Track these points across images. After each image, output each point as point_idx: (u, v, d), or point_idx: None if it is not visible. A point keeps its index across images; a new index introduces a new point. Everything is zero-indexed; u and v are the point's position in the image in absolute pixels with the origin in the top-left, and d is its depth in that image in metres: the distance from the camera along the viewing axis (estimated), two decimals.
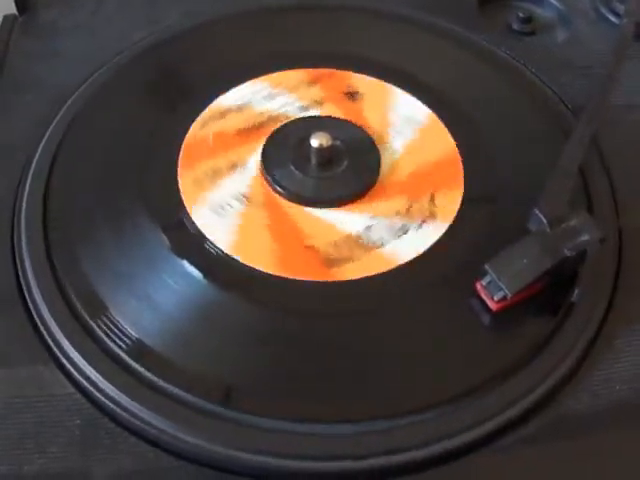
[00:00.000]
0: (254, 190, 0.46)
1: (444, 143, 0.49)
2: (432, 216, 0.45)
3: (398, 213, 0.46)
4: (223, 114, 0.50)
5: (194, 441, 0.38)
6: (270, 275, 0.42)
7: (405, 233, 0.45)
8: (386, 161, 0.48)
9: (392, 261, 0.43)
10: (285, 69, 0.53)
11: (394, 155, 0.48)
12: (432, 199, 0.46)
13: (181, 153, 0.48)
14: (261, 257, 0.43)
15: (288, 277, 0.42)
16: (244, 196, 0.46)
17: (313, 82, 0.52)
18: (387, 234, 0.45)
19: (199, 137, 0.49)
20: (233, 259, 0.43)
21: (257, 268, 0.43)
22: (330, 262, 0.43)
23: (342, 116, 0.50)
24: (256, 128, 0.49)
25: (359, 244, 0.44)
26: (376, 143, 0.48)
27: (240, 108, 0.50)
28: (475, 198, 0.46)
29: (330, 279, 0.43)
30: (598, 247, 0.41)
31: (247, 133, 0.49)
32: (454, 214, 0.45)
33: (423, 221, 0.45)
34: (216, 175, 0.47)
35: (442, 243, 0.44)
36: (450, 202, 0.46)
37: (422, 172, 0.47)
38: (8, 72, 0.53)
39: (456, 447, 0.38)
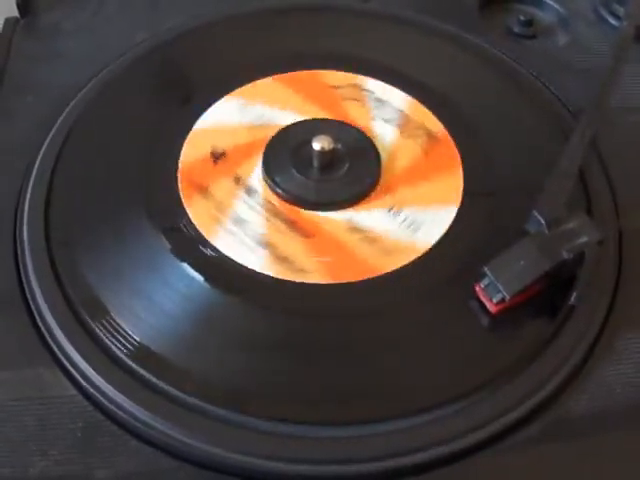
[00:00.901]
0: (264, 202, 0.46)
1: (433, 128, 0.49)
2: (442, 200, 0.46)
3: (410, 202, 0.46)
4: (211, 131, 0.50)
5: (195, 443, 0.38)
6: (273, 278, 0.43)
7: (421, 221, 0.45)
8: (383, 154, 0.48)
9: (415, 250, 0.44)
10: (255, 78, 0.52)
11: (389, 146, 0.48)
12: (437, 182, 0.47)
13: (182, 157, 0.48)
14: (288, 267, 0.43)
15: (290, 280, 0.43)
16: (256, 211, 0.46)
17: (288, 86, 0.52)
18: (405, 225, 0.45)
19: (196, 153, 0.48)
20: (233, 261, 0.43)
21: (284, 278, 0.43)
22: (360, 261, 0.44)
23: (326, 116, 0.50)
24: (248, 141, 0.49)
25: (382, 239, 0.44)
26: (370, 137, 0.49)
27: (226, 124, 0.50)
28: (474, 200, 0.46)
29: (330, 282, 0.43)
30: (597, 249, 0.41)
31: (241, 147, 0.49)
32: (461, 196, 0.46)
33: (435, 205, 0.46)
34: (223, 194, 0.46)
35: (441, 245, 0.44)
36: (455, 183, 0.47)
37: (420, 158, 0.48)
38: (10, 74, 0.53)
39: (457, 450, 0.38)
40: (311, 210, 0.46)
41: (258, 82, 0.52)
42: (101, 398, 0.39)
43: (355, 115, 0.50)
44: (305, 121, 0.50)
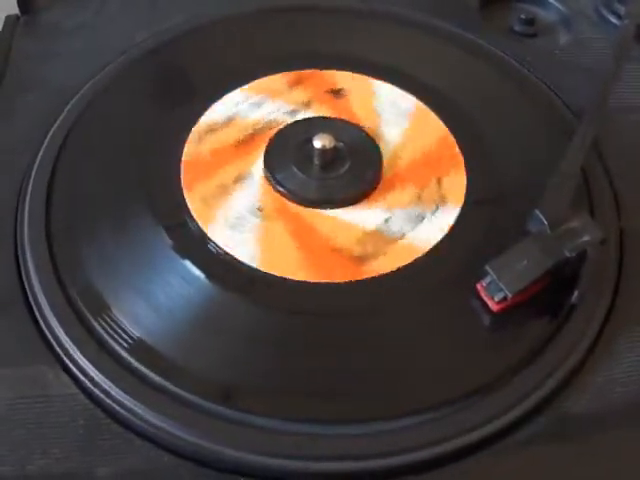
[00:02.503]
0: (265, 200, 0.46)
1: (436, 128, 0.49)
2: (443, 200, 0.46)
3: (411, 202, 0.46)
4: (213, 129, 0.49)
5: (197, 441, 0.38)
6: (274, 276, 0.43)
7: (421, 221, 0.45)
8: (385, 153, 0.48)
9: (416, 250, 0.44)
10: (263, 75, 0.52)
11: (391, 146, 0.48)
12: (439, 182, 0.47)
13: (184, 154, 0.48)
14: (288, 264, 0.43)
15: (290, 277, 0.43)
16: (257, 208, 0.46)
17: (295, 84, 0.52)
18: (405, 224, 0.45)
19: (198, 150, 0.48)
20: (234, 259, 0.43)
21: (283, 276, 0.43)
22: (358, 260, 0.43)
23: (332, 115, 0.50)
24: (249, 139, 0.49)
25: (382, 238, 0.44)
26: (373, 137, 0.49)
27: (229, 121, 0.50)
28: (476, 199, 0.46)
29: (332, 281, 0.43)
30: (598, 248, 0.41)
31: (243, 145, 0.49)
32: (463, 196, 0.46)
33: (437, 206, 0.46)
34: (224, 191, 0.46)
35: (443, 244, 0.44)
36: (457, 184, 0.47)
37: (423, 158, 0.48)
38: (10, 73, 0.53)
39: (457, 449, 0.38)
40: (312, 208, 0.46)
41: (261, 80, 0.52)
42: (102, 396, 0.39)
43: (360, 114, 0.50)
44: (307, 119, 0.50)
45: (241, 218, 0.45)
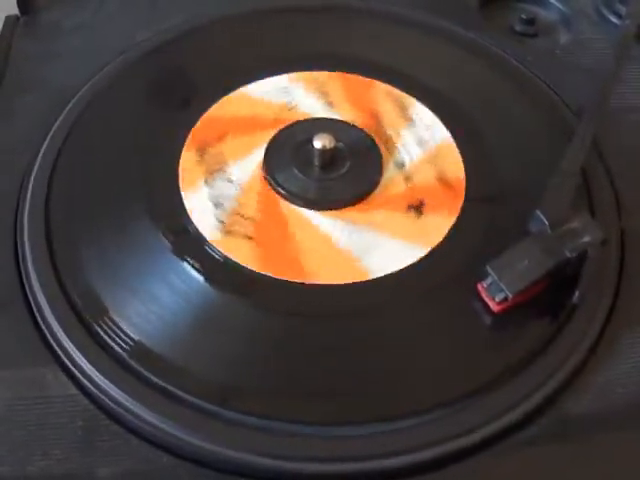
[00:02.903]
0: (263, 201, 0.46)
1: (453, 166, 0.48)
2: (435, 215, 0.45)
3: (401, 214, 0.46)
4: (213, 128, 0.50)
5: (196, 442, 0.38)
6: (272, 278, 0.43)
7: (409, 235, 0.45)
8: (389, 165, 0.48)
9: (391, 265, 0.43)
10: (268, 76, 0.52)
11: (398, 168, 0.48)
12: (424, 210, 0.46)
13: (183, 156, 0.48)
14: (286, 266, 0.43)
15: (290, 280, 0.43)
16: (255, 209, 0.46)
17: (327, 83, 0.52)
18: (388, 237, 0.45)
19: (214, 117, 0.49)
20: (235, 262, 0.43)
21: (282, 278, 0.43)
22: (358, 260, 0.43)
23: (358, 123, 0.50)
24: (251, 140, 0.49)
25: (357, 248, 0.44)
26: (383, 151, 0.48)
27: (232, 120, 0.50)
28: (476, 199, 0.46)
29: (355, 280, 0.43)
30: (599, 248, 0.41)
31: (259, 124, 0.49)
32: (457, 213, 0.45)
33: (424, 222, 0.45)
34: (223, 193, 0.46)
35: (444, 244, 0.44)
36: (452, 203, 0.46)
37: (423, 186, 0.47)
38: (10, 73, 0.53)
39: (457, 450, 0.38)
40: (311, 209, 0.46)
41: (311, 73, 0.53)
42: (102, 397, 0.39)
43: (389, 126, 0.50)
44: (307, 120, 0.50)
45: (240, 220, 0.45)
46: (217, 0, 0.58)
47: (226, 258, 0.43)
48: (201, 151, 0.48)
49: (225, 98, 0.51)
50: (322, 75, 0.53)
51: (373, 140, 0.49)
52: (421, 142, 0.49)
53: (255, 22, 0.56)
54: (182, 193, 0.46)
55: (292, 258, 0.44)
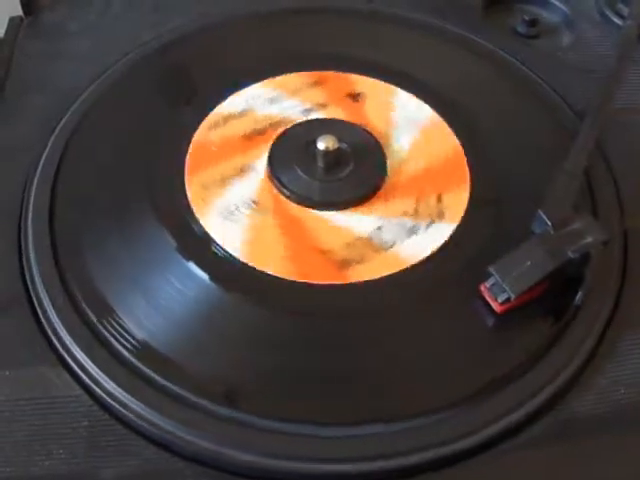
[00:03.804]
0: (262, 195, 0.46)
1: (448, 142, 0.49)
2: (440, 216, 0.45)
3: (406, 213, 0.46)
4: (226, 120, 0.50)
5: (201, 443, 0.38)
6: (279, 278, 0.43)
7: (415, 233, 0.45)
8: (392, 162, 0.48)
9: (403, 262, 0.43)
10: (286, 72, 0.52)
11: (399, 155, 0.48)
12: (439, 199, 0.46)
13: (188, 156, 0.48)
14: (273, 261, 0.43)
15: (297, 280, 0.43)
16: (253, 201, 0.46)
17: (315, 85, 0.52)
18: (397, 235, 0.45)
19: (206, 141, 0.49)
20: (242, 262, 0.43)
21: (268, 272, 0.43)
22: (342, 264, 0.43)
23: (345, 118, 0.50)
24: (260, 133, 0.49)
25: (370, 245, 0.44)
26: (381, 144, 0.48)
27: (242, 113, 0.50)
28: (480, 201, 0.46)
29: (342, 281, 0.43)
30: (602, 249, 0.41)
31: (252, 138, 0.49)
32: (462, 213, 0.46)
33: (432, 221, 0.45)
34: (224, 181, 0.47)
35: (447, 245, 0.44)
36: (458, 201, 0.46)
37: (428, 172, 0.47)
38: (14, 74, 0.53)
39: (460, 450, 0.38)
40: (316, 210, 0.46)
41: (283, 77, 0.52)
42: (106, 397, 0.39)
43: (375, 120, 0.50)
44: (311, 120, 0.50)
45: (246, 220, 0.45)
46: (221, 1, 0.58)
47: (231, 257, 0.43)
48: (203, 185, 0.47)
49: (208, 118, 0.50)
50: (301, 77, 0.52)
51: (377, 140, 0.49)
52: (412, 126, 0.49)
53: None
54: (188, 192, 0.46)
55: (298, 257, 0.43)
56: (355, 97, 0.51)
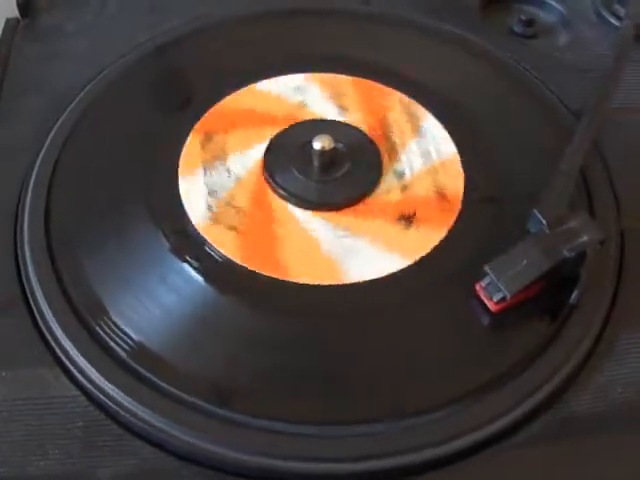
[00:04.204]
0: (257, 196, 0.46)
1: (453, 180, 0.47)
2: (435, 216, 0.45)
3: (402, 213, 0.46)
4: (223, 121, 0.50)
5: (196, 442, 0.38)
6: (273, 278, 0.43)
7: (410, 233, 0.45)
8: (387, 180, 0.47)
9: (398, 262, 0.43)
10: (284, 74, 0.53)
11: (397, 177, 0.48)
12: (434, 199, 0.46)
13: (183, 157, 0.48)
14: (267, 261, 0.43)
15: (292, 280, 0.43)
16: (247, 202, 0.46)
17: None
18: (392, 234, 0.45)
19: (226, 108, 0.50)
20: (236, 263, 0.43)
21: (261, 272, 0.43)
22: (338, 264, 0.43)
23: (366, 128, 0.50)
24: (280, 118, 0.50)
25: (366, 245, 0.44)
26: (385, 159, 0.48)
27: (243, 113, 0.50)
28: (476, 200, 0.46)
29: (337, 281, 0.43)
30: (598, 248, 0.41)
31: (268, 120, 0.50)
32: (458, 212, 0.45)
33: (427, 220, 0.45)
34: (219, 183, 0.47)
35: (442, 245, 0.44)
36: (453, 200, 0.46)
37: (418, 197, 0.47)
38: (11, 75, 0.53)
39: (457, 450, 0.38)
40: (311, 210, 0.46)
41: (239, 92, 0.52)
42: (102, 398, 0.39)
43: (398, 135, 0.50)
44: (306, 121, 0.50)
45: (229, 210, 0.45)
46: (218, 1, 0.58)
47: (226, 258, 0.43)
48: (206, 138, 0.48)
49: (240, 91, 0.51)
50: (338, 78, 0.53)
51: (374, 145, 0.49)
52: (425, 155, 0.49)
53: (266, 23, 0.56)
54: (182, 194, 0.46)
55: (271, 252, 0.44)
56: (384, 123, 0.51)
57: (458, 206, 0.46)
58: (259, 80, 0.52)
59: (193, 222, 0.44)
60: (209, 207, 0.45)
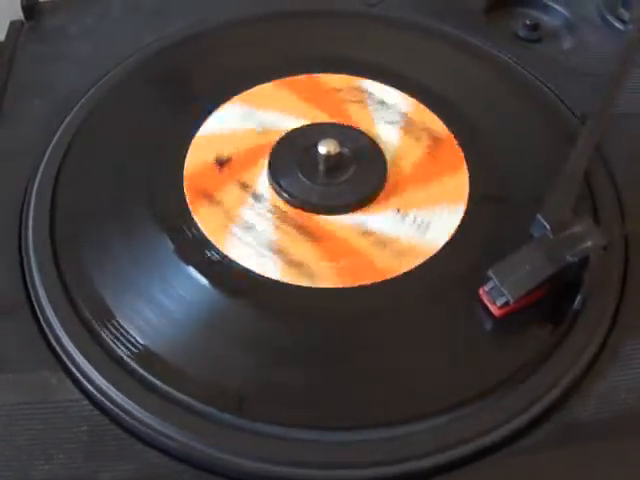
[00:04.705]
0: (262, 198, 0.46)
1: (434, 125, 0.49)
2: (439, 220, 0.45)
3: (405, 216, 0.46)
4: (214, 138, 0.49)
5: (200, 447, 0.38)
6: (280, 282, 0.43)
7: (414, 237, 0.45)
8: (387, 155, 0.48)
9: (402, 265, 0.43)
10: (286, 76, 0.53)
11: (392, 147, 0.48)
12: (437, 203, 0.46)
13: (187, 160, 0.48)
14: (273, 264, 0.43)
15: (298, 284, 0.43)
16: (252, 205, 0.46)
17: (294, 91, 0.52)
18: (395, 239, 0.45)
19: (203, 155, 0.48)
20: (241, 266, 0.43)
21: (267, 276, 0.43)
22: (342, 268, 0.43)
23: (329, 119, 0.50)
24: (254, 148, 0.49)
25: (370, 249, 0.44)
26: (381, 148, 0.48)
27: (231, 129, 0.50)
28: (479, 203, 0.46)
29: (342, 285, 0.43)
30: (601, 253, 0.41)
31: (248, 154, 0.49)
32: (461, 216, 0.46)
33: (430, 224, 0.45)
34: (223, 184, 0.47)
35: (445, 249, 0.44)
36: (457, 204, 0.46)
37: (425, 160, 0.48)
38: (15, 77, 0.54)
39: (462, 456, 0.38)
40: (319, 214, 0.46)
41: (260, 87, 0.52)
42: (106, 402, 0.39)
43: (357, 117, 0.50)
44: (310, 125, 0.50)
45: (248, 226, 0.45)
46: (220, 4, 0.58)
47: (232, 262, 0.43)
48: (209, 200, 0.47)
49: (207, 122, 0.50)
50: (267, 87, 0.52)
51: (377, 144, 0.49)
52: (392, 120, 0.49)
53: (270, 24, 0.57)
54: (187, 196, 0.46)
55: (303, 262, 0.44)
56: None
57: (455, 144, 0.48)
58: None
59: (234, 259, 0.44)
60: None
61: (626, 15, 0.57)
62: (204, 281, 0.42)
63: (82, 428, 0.38)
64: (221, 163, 0.47)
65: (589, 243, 0.41)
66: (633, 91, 0.52)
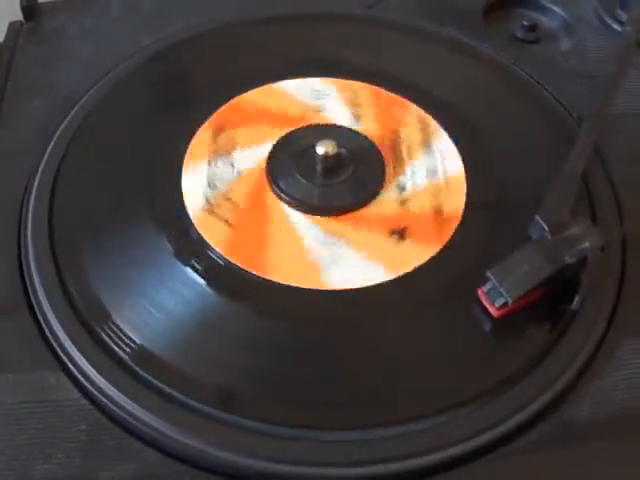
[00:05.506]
0: (259, 200, 0.46)
1: (455, 197, 0.47)
2: (437, 220, 0.45)
3: (404, 218, 0.46)
4: (225, 125, 0.50)
5: (199, 446, 0.38)
6: (276, 283, 0.43)
7: (412, 238, 0.45)
8: (387, 191, 0.47)
9: (400, 267, 0.43)
10: (288, 78, 0.53)
11: (398, 190, 0.47)
12: (436, 205, 0.46)
13: (186, 160, 0.48)
14: (270, 265, 0.43)
15: (295, 285, 0.43)
16: (250, 207, 0.46)
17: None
18: (394, 240, 0.45)
19: (242, 103, 0.50)
20: (238, 267, 0.43)
21: (265, 277, 0.43)
22: (315, 268, 0.43)
23: (376, 138, 0.49)
24: (293, 119, 0.50)
25: (369, 251, 0.44)
26: (389, 170, 0.48)
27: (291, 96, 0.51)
28: (478, 205, 0.46)
29: (340, 286, 0.43)
30: (599, 254, 0.41)
31: (281, 119, 0.50)
32: (460, 217, 0.45)
33: (429, 225, 0.45)
34: (222, 184, 0.47)
35: (444, 250, 0.44)
36: (455, 205, 0.46)
37: (415, 213, 0.46)
38: (14, 78, 0.54)
39: (458, 455, 0.38)
40: (315, 215, 0.46)
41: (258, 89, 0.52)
42: (105, 401, 0.39)
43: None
44: (309, 126, 0.50)
45: (224, 203, 0.46)
46: (223, 5, 0.58)
47: (229, 262, 0.43)
48: (218, 131, 0.49)
49: (258, 89, 0.51)
50: (357, 85, 0.52)
51: (380, 155, 0.48)
52: (431, 173, 0.48)
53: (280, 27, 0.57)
54: (183, 175, 0.47)
55: (259, 250, 0.44)
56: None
57: (455, 222, 0.45)
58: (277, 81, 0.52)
59: (189, 213, 0.45)
60: (206, 199, 0.46)
61: (623, 16, 0.57)
62: (202, 282, 0.42)
63: (81, 427, 0.38)
64: (399, 233, 0.46)
65: (587, 244, 0.41)
66: (631, 91, 0.52)
